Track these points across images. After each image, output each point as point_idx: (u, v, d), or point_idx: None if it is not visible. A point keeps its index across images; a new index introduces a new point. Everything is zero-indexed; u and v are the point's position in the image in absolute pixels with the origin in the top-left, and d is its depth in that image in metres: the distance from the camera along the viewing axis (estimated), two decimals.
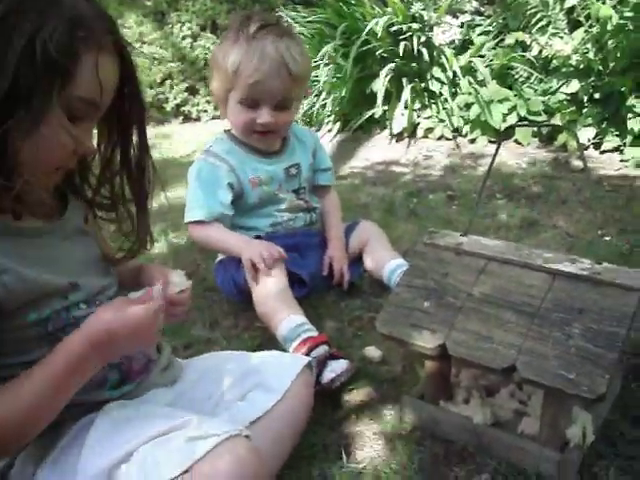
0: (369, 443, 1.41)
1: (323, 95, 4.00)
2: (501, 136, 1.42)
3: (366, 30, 3.72)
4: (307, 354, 1.58)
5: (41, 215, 1.08)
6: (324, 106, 4.02)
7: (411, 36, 3.73)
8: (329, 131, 4.11)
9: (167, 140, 4.44)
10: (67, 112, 0.96)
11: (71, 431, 1.08)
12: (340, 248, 2.06)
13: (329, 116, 4.09)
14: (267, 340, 1.78)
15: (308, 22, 4.18)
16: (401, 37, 3.74)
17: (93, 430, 1.06)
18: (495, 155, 1.44)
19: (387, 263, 1.98)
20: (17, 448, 1.04)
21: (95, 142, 1.09)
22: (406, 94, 3.71)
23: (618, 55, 3.24)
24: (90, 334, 0.99)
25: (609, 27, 3.23)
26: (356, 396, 1.55)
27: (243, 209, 1.98)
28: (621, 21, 3.15)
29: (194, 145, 4.16)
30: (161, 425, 1.03)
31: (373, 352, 1.70)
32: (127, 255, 1.20)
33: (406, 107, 3.76)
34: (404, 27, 3.72)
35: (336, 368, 1.55)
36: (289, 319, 1.70)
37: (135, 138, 1.11)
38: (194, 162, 2.00)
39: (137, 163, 1.12)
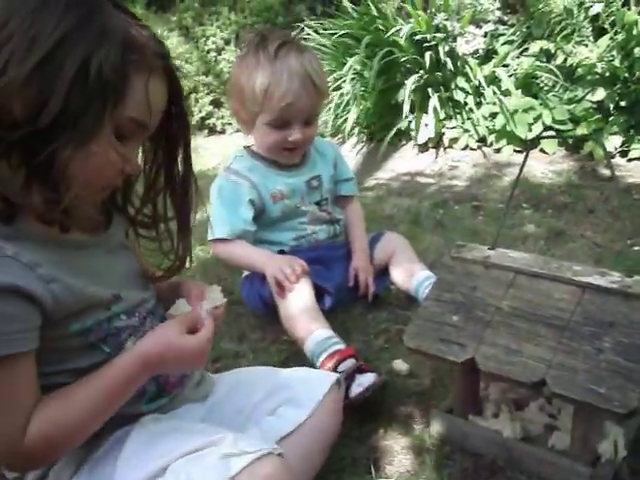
0: (398, 457, 1.41)
1: (348, 107, 4.01)
2: (528, 146, 1.41)
3: (388, 34, 3.71)
4: (335, 368, 1.58)
5: (87, 229, 1.10)
6: (349, 118, 4.03)
7: (435, 46, 3.73)
8: (354, 143, 4.11)
9: (193, 153, 4.47)
10: (116, 131, 0.97)
11: (107, 443, 1.09)
12: (365, 259, 2.06)
13: (354, 127, 4.10)
14: (294, 353, 1.79)
15: (331, 34, 4.19)
16: (425, 47, 3.74)
17: (129, 442, 1.07)
18: (523, 166, 1.43)
19: (414, 275, 1.96)
20: (58, 456, 1.05)
21: (140, 161, 1.11)
22: (432, 104, 3.70)
23: None
24: (143, 354, 1.04)
25: (634, 32, 3.21)
26: (384, 410, 1.55)
27: (266, 223, 1.99)
28: None
29: (219, 158, 4.19)
30: (197, 441, 1.04)
31: (400, 365, 1.70)
32: (166, 274, 1.22)
33: (430, 117, 3.76)
34: (428, 37, 3.72)
35: (363, 382, 1.55)
36: (316, 333, 1.70)
37: (180, 158, 1.13)
38: (215, 180, 2.01)
39: (181, 182, 1.14)
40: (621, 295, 1.23)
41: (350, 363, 1.61)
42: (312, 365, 1.65)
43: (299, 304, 1.76)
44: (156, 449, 1.04)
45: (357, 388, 1.54)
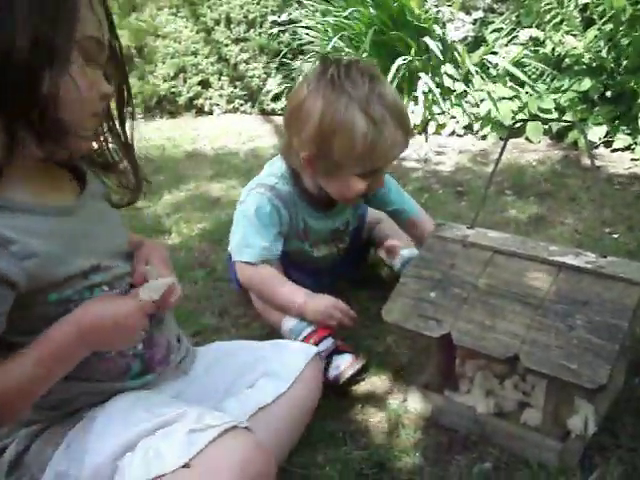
0: (374, 431, 1.43)
1: None
2: (509, 131, 1.42)
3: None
4: None
5: (69, 191, 1.10)
6: None
7: (425, 30, 3.73)
8: None
9: (178, 132, 4.47)
10: (82, 54, 0.96)
11: (84, 418, 1.10)
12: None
13: None
14: (274, 331, 1.81)
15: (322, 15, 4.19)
16: (415, 31, 3.75)
17: (100, 417, 1.08)
18: (503, 150, 1.45)
19: (399, 252, 1.96)
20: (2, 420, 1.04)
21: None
22: (419, 90, 3.71)
23: (630, 51, 3.24)
24: (78, 322, 1.01)
25: (622, 19, 3.22)
26: (362, 385, 1.58)
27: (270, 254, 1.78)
28: (637, 13, 3.14)
29: (206, 140, 4.19)
30: (160, 417, 1.04)
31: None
32: (130, 200, 1.20)
33: (417, 103, 3.77)
34: (420, 17, 3.72)
35: (340, 364, 1.57)
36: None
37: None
38: (251, 192, 1.76)
39: (121, 112, 1.12)
40: (595, 275, 1.25)
41: (329, 343, 1.61)
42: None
43: None
44: (122, 424, 1.04)
45: (333, 371, 1.56)
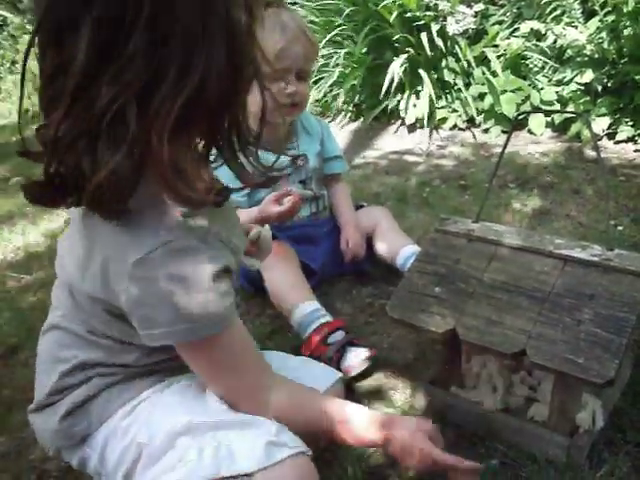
0: None
1: (335, 84, 4.00)
2: (513, 124, 1.42)
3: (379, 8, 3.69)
4: (324, 339, 1.60)
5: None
6: (337, 95, 4.02)
7: (425, 25, 3.71)
8: (342, 121, 4.10)
9: None
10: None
11: (159, 385, 1.09)
12: (353, 230, 2.03)
13: (342, 105, 4.08)
14: (279, 327, 1.80)
15: (318, 9, 4.16)
16: (415, 25, 3.72)
17: (173, 389, 1.08)
18: (506, 143, 1.44)
19: (401, 250, 1.96)
20: None
21: None
22: (421, 83, 3.69)
23: (632, 42, 3.21)
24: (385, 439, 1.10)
25: (625, 11, 3.19)
26: (367, 381, 1.57)
27: (253, 204, 1.90)
28: (638, 5, 3.11)
29: None
30: (237, 415, 1.04)
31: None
32: None
33: (419, 97, 3.75)
34: (419, 14, 3.70)
35: (352, 358, 1.56)
36: (303, 305, 1.71)
37: None
38: None
39: None
40: (602, 268, 1.24)
41: (340, 335, 1.62)
42: (299, 338, 1.67)
43: (285, 277, 1.77)
44: (198, 404, 1.04)
45: (348, 362, 1.56)
